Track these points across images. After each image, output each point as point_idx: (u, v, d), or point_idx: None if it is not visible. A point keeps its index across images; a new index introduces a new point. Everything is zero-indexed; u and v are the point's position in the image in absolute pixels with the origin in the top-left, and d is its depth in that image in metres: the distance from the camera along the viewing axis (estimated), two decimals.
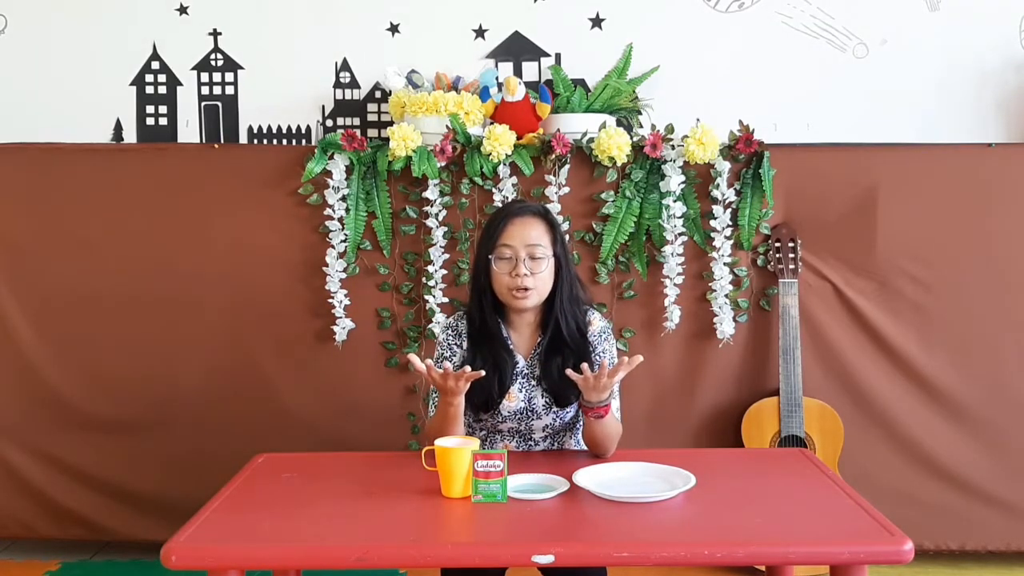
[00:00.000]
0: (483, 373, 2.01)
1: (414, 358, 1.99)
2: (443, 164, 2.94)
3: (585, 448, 2.24)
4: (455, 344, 2.22)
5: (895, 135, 3.14)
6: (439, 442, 1.88)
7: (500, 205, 2.87)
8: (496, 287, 2.16)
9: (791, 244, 2.92)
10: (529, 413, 2.17)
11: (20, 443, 3.13)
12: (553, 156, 2.93)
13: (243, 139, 3.31)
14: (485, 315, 2.19)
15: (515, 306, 2.16)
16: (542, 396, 2.17)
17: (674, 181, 2.91)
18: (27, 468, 3.13)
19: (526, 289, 2.12)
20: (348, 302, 3.03)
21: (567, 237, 2.87)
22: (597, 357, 2.19)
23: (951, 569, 3.03)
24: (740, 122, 2.94)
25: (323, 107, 3.29)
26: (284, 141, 3.30)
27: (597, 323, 2.23)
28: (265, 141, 3.30)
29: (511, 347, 2.20)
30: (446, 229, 2.98)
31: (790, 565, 2.16)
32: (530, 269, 2.12)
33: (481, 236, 2.24)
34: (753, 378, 3.03)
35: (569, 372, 2.01)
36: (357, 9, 3.25)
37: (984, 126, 3.18)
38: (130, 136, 3.33)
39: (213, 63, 3.30)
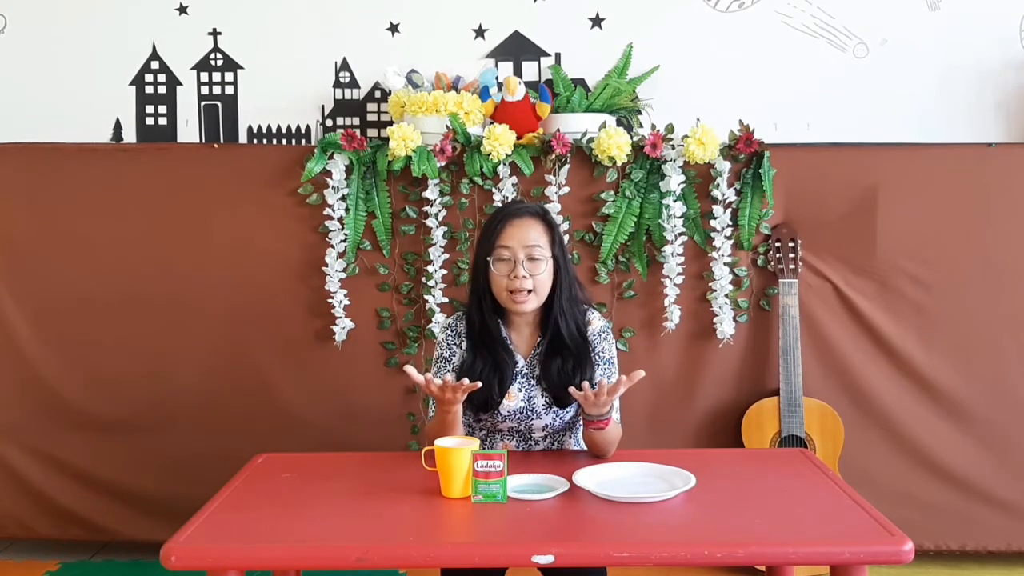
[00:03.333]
0: (479, 385, 2.00)
1: (410, 369, 1.98)
2: (443, 164, 2.94)
3: (585, 448, 2.24)
4: (455, 344, 2.22)
5: (895, 135, 3.14)
6: (439, 442, 1.88)
7: (500, 205, 2.87)
8: (495, 289, 2.16)
9: (791, 244, 2.92)
10: (529, 413, 2.17)
11: (20, 443, 3.13)
12: (553, 156, 2.93)
13: (243, 139, 3.31)
14: (484, 316, 2.19)
15: (514, 310, 2.16)
16: (542, 396, 2.17)
17: (674, 181, 2.91)
18: (27, 468, 3.13)
19: (525, 291, 2.12)
20: (348, 302, 3.03)
21: (566, 238, 2.87)
22: (596, 356, 2.19)
23: (951, 569, 3.03)
24: (740, 122, 2.94)
25: (323, 107, 3.29)
26: (284, 141, 3.30)
27: (596, 323, 2.23)
28: (265, 141, 3.30)
29: (511, 347, 2.20)
30: (446, 229, 2.98)
31: (790, 565, 2.16)
32: (529, 271, 2.12)
33: (479, 237, 2.23)
34: (753, 378, 3.02)
35: (571, 390, 2.00)
36: (357, 9, 3.25)
37: (984, 126, 3.18)
38: (130, 136, 3.33)
39: (213, 63, 3.30)
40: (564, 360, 2.15)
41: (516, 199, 2.92)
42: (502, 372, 2.15)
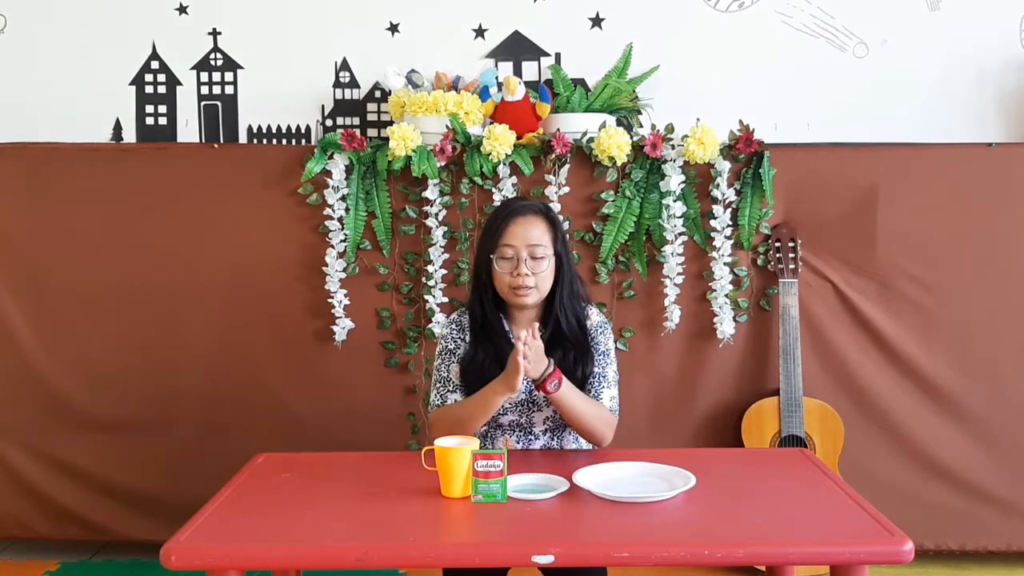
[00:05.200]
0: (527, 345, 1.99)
1: (524, 335, 1.98)
2: (443, 164, 2.94)
3: (584, 448, 2.25)
4: (459, 338, 2.23)
5: (895, 135, 3.14)
6: (439, 442, 1.88)
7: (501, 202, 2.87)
8: (498, 285, 2.18)
9: (791, 244, 2.92)
10: (530, 405, 2.18)
11: (20, 443, 3.13)
12: (553, 156, 2.93)
13: (243, 139, 3.31)
14: (486, 311, 2.21)
15: (516, 303, 2.18)
16: None
17: (674, 181, 2.90)
18: (27, 468, 3.13)
19: (527, 287, 2.13)
20: (348, 302, 3.03)
21: (567, 237, 2.87)
22: (594, 349, 2.20)
23: (951, 569, 3.03)
24: (740, 122, 2.94)
25: (323, 107, 3.29)
26: (284, 141, 3.30)
27: (595, 318, 2.25)
28: (265, 141, 3.30)
29: (512, 340, 2.20)
30: (446, 229, 2.98)
31: (790, 565, 2.16)
32: (531, 269, 2.14)
33: (482, 234, 2.24)
34: (753, 378, 3.02)
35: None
36: (357, 9, 3.25)
37: (984, 126, 3.17)
38: (130, 136, 3.33)
39: (212, 63, 3.30)
40: (565, 352, 2.17)
41: (518, 196, 2.92)
42: (504, 361, 2.15)
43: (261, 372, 3.07)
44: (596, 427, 2.13)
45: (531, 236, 2.16)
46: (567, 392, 2.07)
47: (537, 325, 2.04)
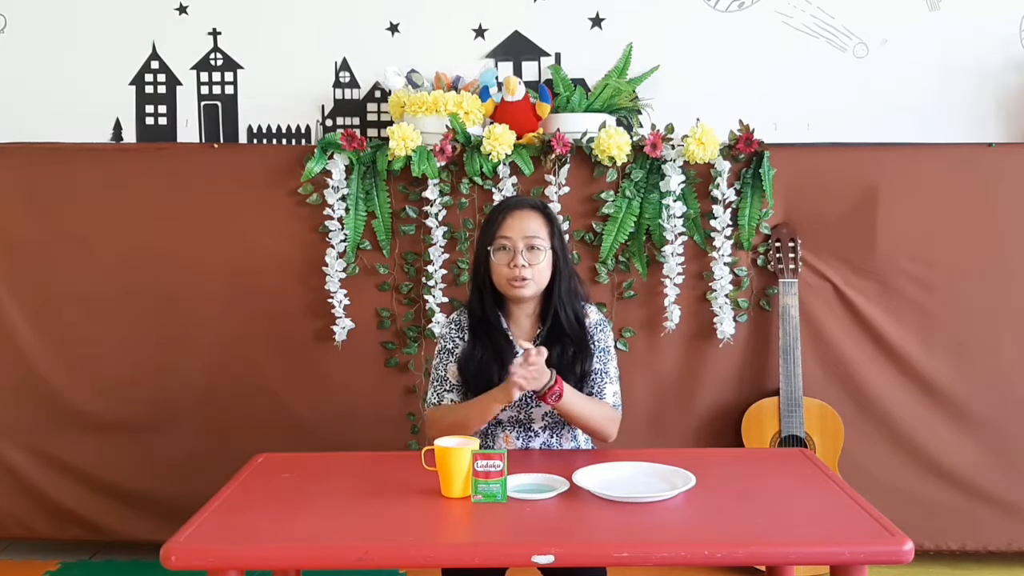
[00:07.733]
0: (545, 351, 2.02)
1: (527, 345, 2.03)
2: (443, 164, 2.94)
3: (584, 448, 2.25)
4: (457, 337, 2.24)
5: (895, 135, 3.14)
6: (439, 442, 1.88)
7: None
8: (495, 278, 2.19)
9: (791, 244, 2.92)
10: (529, 400, 2.18)
11: (20, 443, 3.13)
12: (553, 156, 2.93)
13: (243, 139, 3.31)
14: (485, 307, 2.21)
15: (513, 296, 2.19)
16: None
17: (674, 181, 2.91)
18: (27, 468, 3.13)
19: (523, 279, 2.14)
20: (348, 302, 3.03)
21: (567, 237, 2.87)
22: (593, 345, 2.20)
23: (951, 569, 3.03)
24: (740, 122, 2.94)
25: (323, 107, 3.29)
26: (284, 141, 3.30)
27: (594, 315, 2.26)
28: (265, 141, 3.30)
29: (511, 338, 2.21)
30: (446, 229, 2.98)
31: (790, 565, 2.16)
32: (528, 260, 2.15)
33: (481, 230, 2.26)
34: (753, 378, 3.02)
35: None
36: (357, 9, 3.25)
37: (984, 126, 3.17)
38: (129, 136, 3.33)
39: (213, 63, 3.30)
40: (564, 347, 2.17)
41: (516, 195, 2.92)
42: (501, 358, 2.16)
43: (261, 372, 3.08)
44: (600, 426, 2.14)
45: (528, 228, 2.17)
46: (569, 399, 2.08)
47: (541, 347, 2.02)
